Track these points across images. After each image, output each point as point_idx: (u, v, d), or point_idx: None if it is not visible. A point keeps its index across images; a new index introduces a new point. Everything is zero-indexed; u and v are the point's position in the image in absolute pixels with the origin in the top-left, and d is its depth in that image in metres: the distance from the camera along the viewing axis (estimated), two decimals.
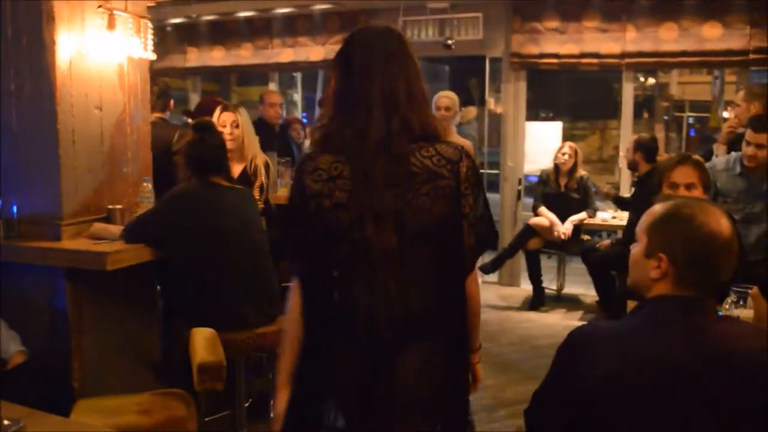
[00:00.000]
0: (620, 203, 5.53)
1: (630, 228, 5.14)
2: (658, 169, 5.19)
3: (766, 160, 3.54)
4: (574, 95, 18.53)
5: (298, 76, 11.55)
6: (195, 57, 7.73)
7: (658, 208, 1.64)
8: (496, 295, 6.31)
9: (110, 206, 3.07)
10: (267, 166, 3.96)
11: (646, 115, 22.94)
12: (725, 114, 9.76)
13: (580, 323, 5.46)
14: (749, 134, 3.57)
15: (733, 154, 3.76)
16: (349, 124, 1.67)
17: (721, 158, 3.76)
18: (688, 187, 2.98)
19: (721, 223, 1.54)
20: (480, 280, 5.61)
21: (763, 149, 3.52)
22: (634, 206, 5.09)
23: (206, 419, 3.09)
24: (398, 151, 1.66)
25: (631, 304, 2.98)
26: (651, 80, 13.07)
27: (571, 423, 1.55)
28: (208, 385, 2.21)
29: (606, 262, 5.06)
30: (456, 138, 5.07)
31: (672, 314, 1.54)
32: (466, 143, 5.12)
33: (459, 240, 1.72)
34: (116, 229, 2.91)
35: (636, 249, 1.68)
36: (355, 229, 1.64)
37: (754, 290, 2.21)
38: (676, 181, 2.99)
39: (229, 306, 2.87)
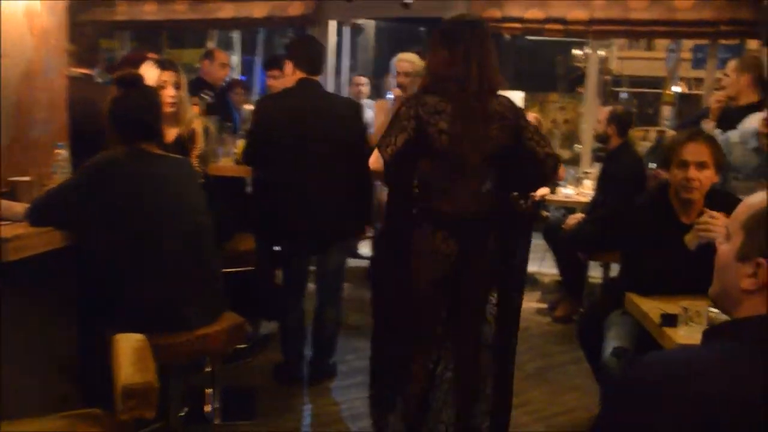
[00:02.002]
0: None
1: (595, 206, 4.81)
2: (628, 144, 4.94)
3: None
4: (513, 65, 18.29)
5: (237, 36, 10.85)
6: (124, 10, 6.98)
7: (760, 199, 1.24)
8: None
9: (14, 178, 2.50)
10: (207, 131, 3.43)
11: (581, 89, 23.04)
12: (677, 89, 9.61)
13: (539, 305, 5.18)
14: None
15: (751, 126, 3.42)
16: (451, 78, 2.49)
17: (736, 131, 3.42)
18: (700, 165, 2.64)
19: None
20: None
21: None
22: (603, 184, 4.76)
23: None
24: (484, 99, 2.50)
25: (632, 297, 2.64)
26: (600, 53, 12.90)
27: None
28: (135, 413, 1.73)
29: (571, 243, 4.71)
30: None
31: None
32: None
33: (518, 161, 2.55)
34: (21, 207, 2.35)
35: (725, 247, 1.28)
36: (452, 147, 2.44)
37: None
38: (686, 159, 2.65)
39: (162, 302, 2.37)
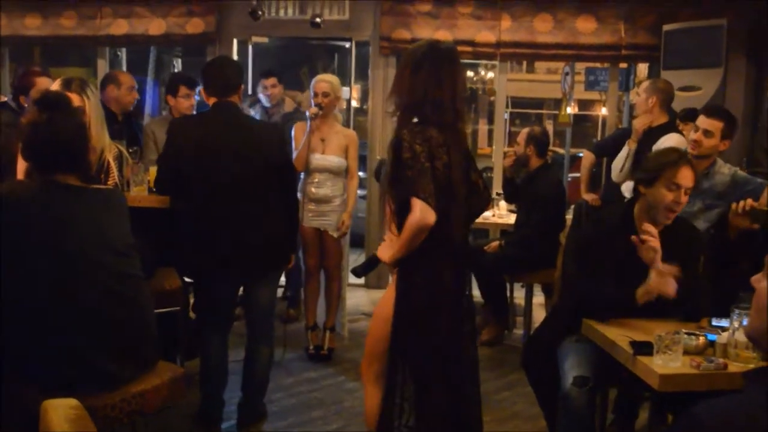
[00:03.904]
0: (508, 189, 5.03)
1: (517, 226, 4.81)
2: (548, 164, 4.97)
3: (709, 152, 3.27)
4: None
5: (123, 54, 10.26)
6: (4, 24, 6.41)
7: None
8: (367, 300, 5.79)
9: None
10: (120, 160, 3.11)
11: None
12: (569, 110, 9.95)
13: None
14: (700, 119, 3.29)
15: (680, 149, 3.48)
16: (442, 110, 2.45)
17: None
18: (688, 191, 2.63)
19: None
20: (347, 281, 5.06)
21: (710, 137, 3.23)
22: (525, 204, 4.76)
23: None
24: (463, 128, 2.58)
25: (592, 323, 2.56)
26: (490, 74, 13.27)
27: None
28: None
29: (497, 266, 4.67)
30: (339, 128, 4.46)
31: None
32: (352, 134, 4.54)
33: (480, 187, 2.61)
34: None
35: (765, 285, 1.18)
36: (448, 178, 2.41)
37: None
38: (679, 183, 2.59)
39: (78, 356, 2.05)
